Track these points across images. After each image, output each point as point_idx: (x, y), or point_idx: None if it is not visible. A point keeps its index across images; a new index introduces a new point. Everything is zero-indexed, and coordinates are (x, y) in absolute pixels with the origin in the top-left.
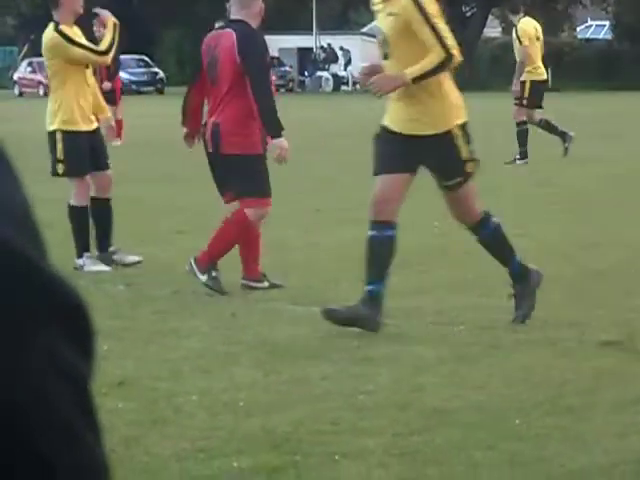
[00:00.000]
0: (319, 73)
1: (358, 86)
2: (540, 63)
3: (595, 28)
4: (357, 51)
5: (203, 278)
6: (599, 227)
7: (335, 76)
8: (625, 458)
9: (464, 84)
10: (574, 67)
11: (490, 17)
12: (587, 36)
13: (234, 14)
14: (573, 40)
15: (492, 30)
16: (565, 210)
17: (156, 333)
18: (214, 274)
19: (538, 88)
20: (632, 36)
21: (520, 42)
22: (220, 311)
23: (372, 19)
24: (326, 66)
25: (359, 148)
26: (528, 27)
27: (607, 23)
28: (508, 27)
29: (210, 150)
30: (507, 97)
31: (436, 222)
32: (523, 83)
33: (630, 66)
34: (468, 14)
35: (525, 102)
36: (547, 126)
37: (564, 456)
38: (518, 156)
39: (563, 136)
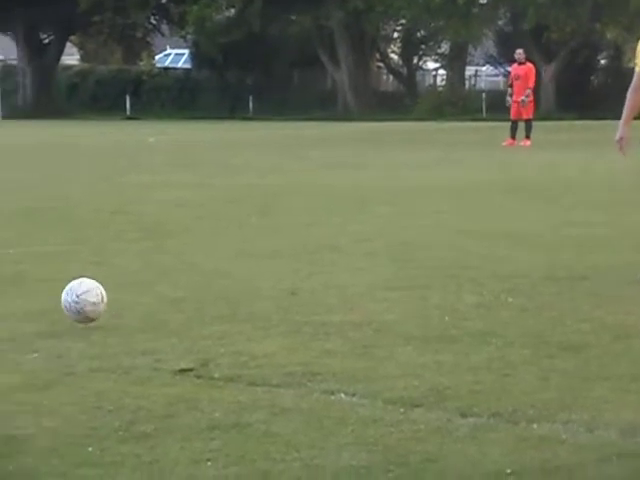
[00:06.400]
0: None
1: None
2: None
3: (174, 57)
4: None
5: None
6: (173, 255)
7: None
8: None
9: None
10: (153, 95)
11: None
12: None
13: None
14: (152, 68)
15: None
16: (141, 238)
17: None
18: None
19: None
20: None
21: None
22: None
23: None
24: None
25: None
26: None
27: (186, 52)
28: (86, 54)
29: None
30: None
31: (11, 250)
32: None
33: (208, 95)
34: (46, 41)
35: None
36: None
37: None
38: None
39: None
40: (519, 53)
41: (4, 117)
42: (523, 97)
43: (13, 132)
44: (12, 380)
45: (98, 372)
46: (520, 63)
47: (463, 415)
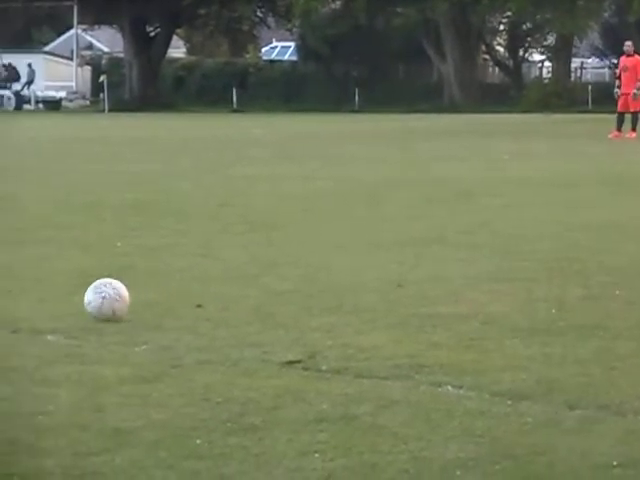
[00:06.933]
0: (0, 92)
1: (41, 105)
2: None
3: (280, 49)
4: (40, 70)
5: None
6: (279, 247)
7: (17, 95)
8: (308, 476)
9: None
10: (259, 88)
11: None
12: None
13: None
14: (258, 61)
15: (176, 50)
16: (247, 230)
17: None
18: None
19: None
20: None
21: None
22: None
23: (54, 38)
24: (7, 84)
25: None
26: None
27: (292, 44)
28: (193, 48)
29: None
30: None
31: (119, 242)
32: None
33: (314, 87)
34: (152, 34)
35: None
36: None
37: (246, 475)
38: None
39: None
40: (628, 45)
41: (110, 110)
42: (635, 90)
43: (120, 125)
44: (120, 372)
45: (206, 364)
46: (628, 55)
47: (571, 408)
